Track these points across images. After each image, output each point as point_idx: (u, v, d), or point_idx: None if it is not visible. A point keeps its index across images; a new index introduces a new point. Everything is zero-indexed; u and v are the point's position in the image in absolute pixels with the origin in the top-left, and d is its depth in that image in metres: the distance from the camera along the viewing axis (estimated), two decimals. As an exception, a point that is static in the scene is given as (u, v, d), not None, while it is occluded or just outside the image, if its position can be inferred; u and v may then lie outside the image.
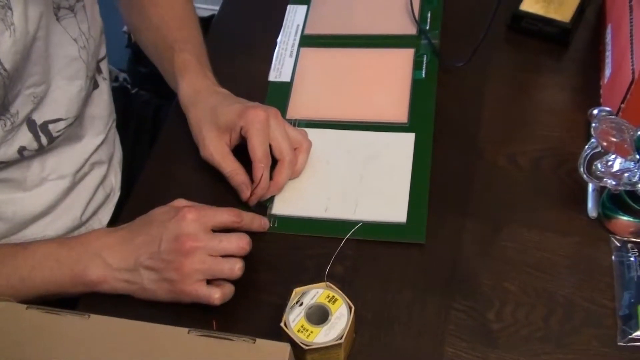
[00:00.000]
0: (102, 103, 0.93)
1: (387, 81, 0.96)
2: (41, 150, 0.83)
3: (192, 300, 0.75)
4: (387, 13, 1.03)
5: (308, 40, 1.02)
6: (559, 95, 0.92)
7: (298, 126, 0.91)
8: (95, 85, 0.91)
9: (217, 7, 1.10)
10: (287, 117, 0.93)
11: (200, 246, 0.74)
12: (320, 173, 0.87)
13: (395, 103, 0.93)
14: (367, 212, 0.83)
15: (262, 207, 0.84)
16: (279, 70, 0.99)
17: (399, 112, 0.92)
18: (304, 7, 1.06)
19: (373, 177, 0.86)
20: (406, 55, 0.98)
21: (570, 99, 0.92)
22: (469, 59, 0.93)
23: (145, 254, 0.75)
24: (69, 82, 0.83)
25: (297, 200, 0.85)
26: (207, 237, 0.74)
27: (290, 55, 1.00)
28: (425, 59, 0.97)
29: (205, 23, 1.03)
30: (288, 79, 0.98)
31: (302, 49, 1.01)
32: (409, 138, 0.89)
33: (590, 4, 0.99)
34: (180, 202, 0.79)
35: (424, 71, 0.95)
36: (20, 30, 0.71)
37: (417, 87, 0.94)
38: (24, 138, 0.80)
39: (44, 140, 0.82)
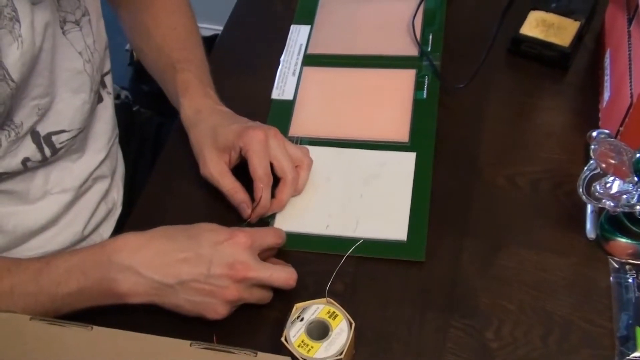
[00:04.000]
0: (106, 117, 0.94)
1: (388, 101, 0.97)
2: (45, 162, 0.83)
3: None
4: (389, 34, 1.05)
5: (311, 60, 1.03)
6: (558, 118, 0.93)
7: (300, 144, 0.92)
8: (99, 99, 0.92)
9: (221, 27, 1.12)
10: (290, 134, 0.94)
11: (252, 277, 0.73)
12: (322, 190, 0.88)
13: (396, 122, 0.94)
14: (368, 229, 0.83)
15: (264, 223, 0.84)
16: (282, 89, 1.00)
17: (400, 132, 0.93)
18: (307, 27, 1.08)
19: (374, 195, 0.87)
20: (408, 76, 0.99)
21: (569, 121, 0.93)
22: (469, 81, 0.95)
23: (190, 274, 0.72)
24: (73, 94, 0.84)
25: (298, 217, 0.85)
26: (259, 266, 0.74)
27: (293, 74, 1.02)
28: (426, 79, 0.98)
29: (209, 43, 1.04)
30: (291, 97, 0.99)
31: (305, 68, 1.02)
32: (410, 157, 0.90)
33: (590, 29, 1.00)
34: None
35: (425, 92, 0.97)
36: (27, 42, 0.72)
37: (419, 107, 0.95)
38: (28, 149, 0.80)
39: (47, 151, 0.82)
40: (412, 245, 0.82)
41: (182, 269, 0.72)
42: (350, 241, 0.81)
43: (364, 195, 0.87)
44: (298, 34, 1.07)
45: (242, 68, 1.04)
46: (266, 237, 0.77)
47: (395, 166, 0.89)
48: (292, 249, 0.83)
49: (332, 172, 0.89)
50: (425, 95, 0.96)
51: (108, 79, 0.95)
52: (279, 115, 0.96)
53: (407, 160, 0.89)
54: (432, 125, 0.93)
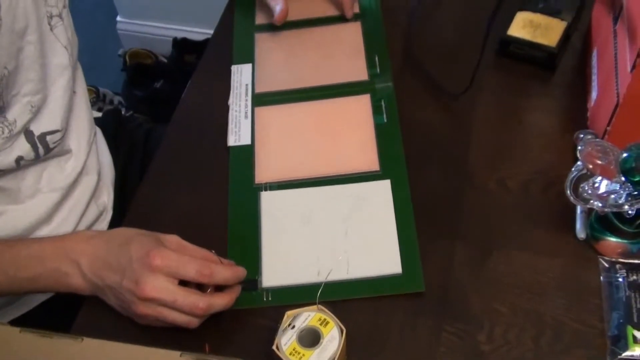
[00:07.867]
0: (84, 110, 0.93)
1: (349, 130, 0.93)
2: (37, 160, 0.84)
3: None
4: (335, 62, 1.01)
5: (261, 99, 0.97)
6: (546, 119, 0.93)
7: (269, 190, 0.88)
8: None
9: (211, 31, 1.08)
10: (256, 182, 0.89)
11: (155, 297, 0.72)
12: (305, 236, 0.84)
13: (363, 152, 0.90)
14: (361, 268, 0.80)
15: (252, 281, 0.80)
16: (237, 134, 0.94)
17: (369, 161, 0.89)
18: (249, 66, 1.02)
19: (358, 230, 0.83)
20: (363, 102, 0.95)
21: (557, 122, 0.93)
22: (466, 89, 0.94)
23: (108, 278, 0.75)
24: (64, 92, 0.84)
25: (286, 268, 0.81)
26: (164, 290, 0.72)
27: (246, 117, 0.96)
28: (383, 103, 0.95)
29: (200, 47, 1.02)
30: (248, 142, 0.93)
31: (257, 109, 0.96)
32: (385, 185, 0.87)
33: (576, 29, 1.00)
34: (172, 238, 0.77)
35: (384, 115, 0.93)
36: (7, 26, 0.73)
37: (382, 132, 0.92)
38: (22, 148, 0.81)
39: (41, 151, 0.83)
40: (409, 276, 0.79)
41: (106, 274, 0.75)
42: (345, 284, 0.79)
43: (348, 233, 0.83)
44: (241, 74, 1.01)
45: (193, 124, 0.98)
46: (186, 267, 0.73)
47: (373, 197, 0.86)
48: (287, 304, 0.75)
49: (311, 214, 0.85)
50: (385, 119, 0.93)
51: (79, 70, 0.94)
52: (240, 162, 0.91)
53: (383, 189, 0.86)
54: (399, 148, 0.90)
